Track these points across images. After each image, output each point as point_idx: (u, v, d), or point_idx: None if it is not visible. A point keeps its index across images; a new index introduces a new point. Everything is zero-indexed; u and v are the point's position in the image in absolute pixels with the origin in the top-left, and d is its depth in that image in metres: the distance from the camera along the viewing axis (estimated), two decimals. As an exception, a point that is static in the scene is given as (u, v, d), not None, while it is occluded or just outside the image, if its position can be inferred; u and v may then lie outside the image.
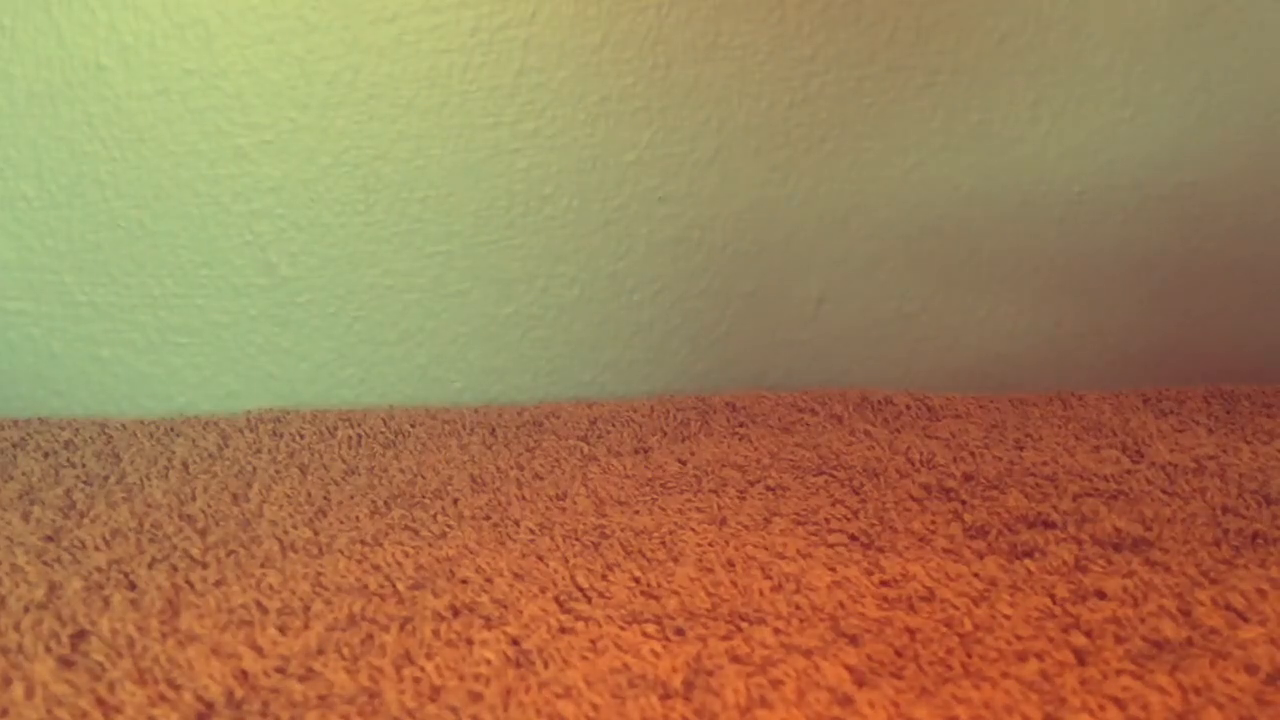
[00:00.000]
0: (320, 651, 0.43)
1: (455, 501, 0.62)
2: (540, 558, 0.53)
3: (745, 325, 0.93)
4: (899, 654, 0.42)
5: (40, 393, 0.86)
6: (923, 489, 0.63)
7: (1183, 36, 0.97)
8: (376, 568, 0.52)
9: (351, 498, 0.63)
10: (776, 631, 0.44)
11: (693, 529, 0.57)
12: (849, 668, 0.41)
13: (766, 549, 0.54)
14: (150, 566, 0.52)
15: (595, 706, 0.38)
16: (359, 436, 0.77)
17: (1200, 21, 0.97)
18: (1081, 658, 0.42)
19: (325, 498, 0.63)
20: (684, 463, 0.70)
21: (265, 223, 0.86)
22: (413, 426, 0.80)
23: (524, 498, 0.63)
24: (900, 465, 0.69)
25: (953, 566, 0.51)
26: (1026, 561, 0.51)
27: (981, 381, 0.94)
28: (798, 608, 0.46)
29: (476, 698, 0.39)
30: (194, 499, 0.63)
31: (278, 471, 0.68)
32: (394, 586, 0.49)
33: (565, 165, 0.89)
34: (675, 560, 0.52)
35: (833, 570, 0.50)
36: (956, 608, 0.46)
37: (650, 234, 0.91)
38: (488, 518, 0.59)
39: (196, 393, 0.88)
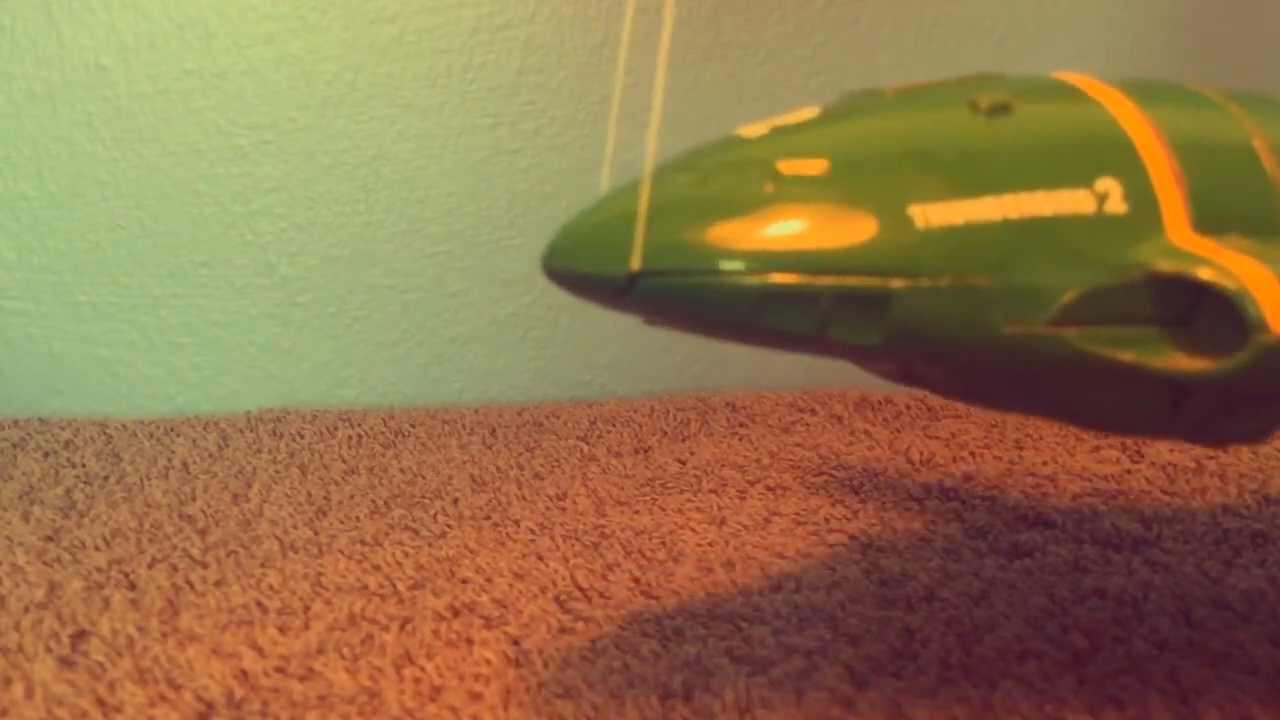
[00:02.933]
0: (320, 651, 0.43)
1: (455, 501, 0.62)
2: (540, 558, 0.53)
3: (745, 325, 0.93)
4: (899, 654, 0.42)
5: (40, 393, 0.86)
6: (923, 489, 0.63)
7: (1182, 38, 0.97)
8: (376, 568, 0.52)
9: (351, 498, 0.63)
10: (776, 632, 0.44)
11: (693, 529, 0.57)
12: (849, 668, 0.41)
13: (766, 549, 0.54)
14: (150, 566, 0.52)
15: (595, 706, 0.38)
16: (359, 436, 0.77)
17: (1200, 23, 0.97)
18: (1081, 658, 0.42)
19: (325, 498, 0.63)
20: (684, 463, 0.70)
21: (265, 223, 0.86)
22: (413, 426, 0.80)
23: (524, 498, 0.63)
24: (900, 465, 0.69)
25: (953, 566, 0.51)
26: (1026, 561, 0.51)
27: (981, 381, 0.94)
28: (797, 608, 0.46)
29: (476, 698, 0.39)
30: (194, 499, 0.63)
31: (278, 471, 0.68)
32: (394, 586, 0.49)
33: (565, 165, 0.89)
34: (675, 560, 0.52)
35: (832, 570, 0.50)
36: (956, 608, 0.46)
37: (650, 234, 0.91)
38: (488, 518, 0.59)
39: (196, 393, 0.88)
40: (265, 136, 0.85)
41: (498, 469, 0.69)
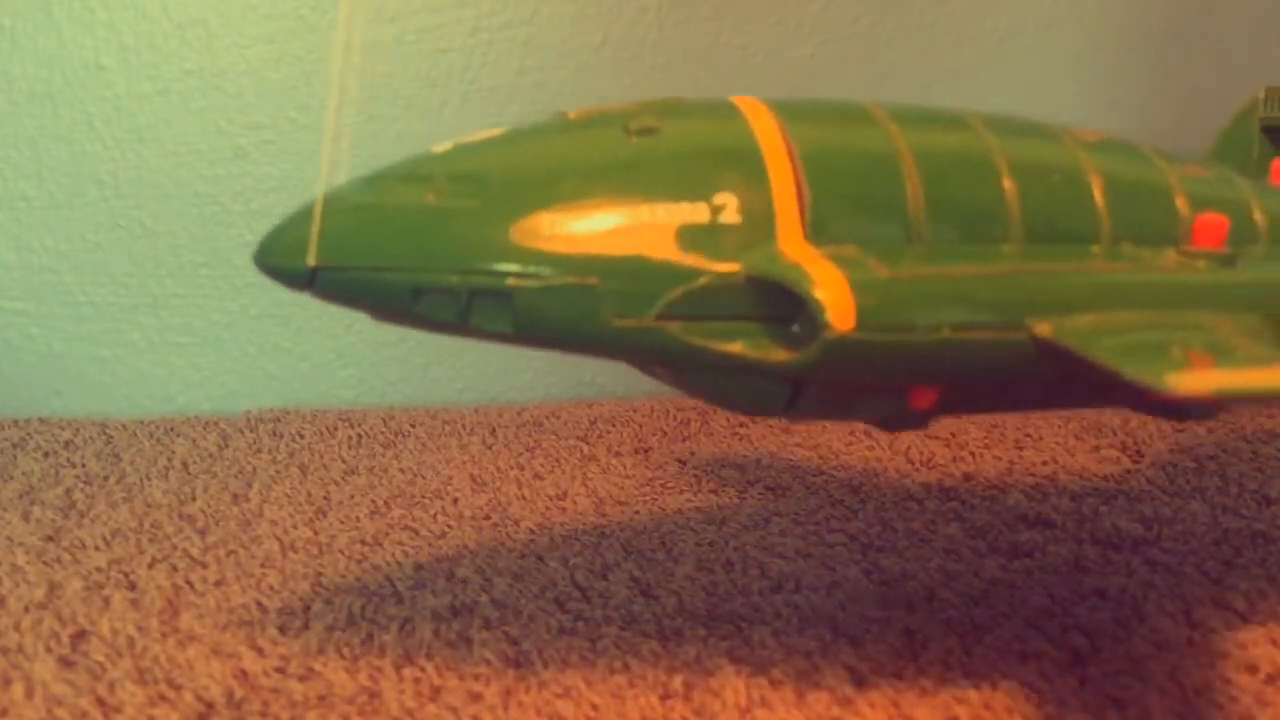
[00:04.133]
0: (320, 651, 0.43)
1: (455, 501, 0.62)
2: (540, 558, 0.53)
3: (745, 325, 0.93)
4: (899, 654, 0.42)
5: (40, 393, 0.86)
6: (923, 489, 0.63)
7: (1182, 38, 0.97)
8: (376, 568, 0.52)
9: (351, 498, 0.63)
10: (776, 632, 0.44)
11: (692, 529, 0.57)
12: (849, 668, 0.41)
13: (766, 549, 0.54)
14: (150, 566, 0.52)
15: (595, 706, 0.38)
16: (359, 436, 0.77)
17: (1200, 24, 0.97)
18: (1081, 658, 0.42)
19: (325, 498, 0.63)
20: (684, 463, 0.70)
21: (265, 223, 0.86)
22: (413, 426, 0.80)
23: (524, 498, 0.63)
24: (900, 465, 0.69)
25: (953, 566, 0.51)
26: (1026, 561, 0.51)
27: (981, 381, 0.94)
28: (797, 608, 0.46)
29: (476, 698, 0.39)
30: (194, 499, 0.63)
31: (278, 471, 0.68)
32: (394, 586, 0.49)
33: (565, 165, 0.89)
34: (674, 560, 0.52)
35: (832, 570, 0.50)
36: (956, 608, 0.46)
37: (650, 234, 0.91)
38: (488, 518, 0.59)
39: (196, 393, 0.88)
40: (265, 136, 0.85)
41: (498, 469, 0.69)
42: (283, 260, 0.35)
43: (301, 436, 0.77)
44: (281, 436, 0.77)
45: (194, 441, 0.76)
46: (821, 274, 0.32)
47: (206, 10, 0.83)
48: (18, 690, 0.39)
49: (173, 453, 0.73)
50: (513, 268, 0.33)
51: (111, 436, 0.77)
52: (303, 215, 0.35)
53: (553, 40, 0.87)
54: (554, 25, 0.87)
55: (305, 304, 0.88)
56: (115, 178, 0.84)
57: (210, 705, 0.38)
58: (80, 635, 0.44)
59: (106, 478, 0.67)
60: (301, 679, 0.40)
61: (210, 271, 0.86)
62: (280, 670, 0.41)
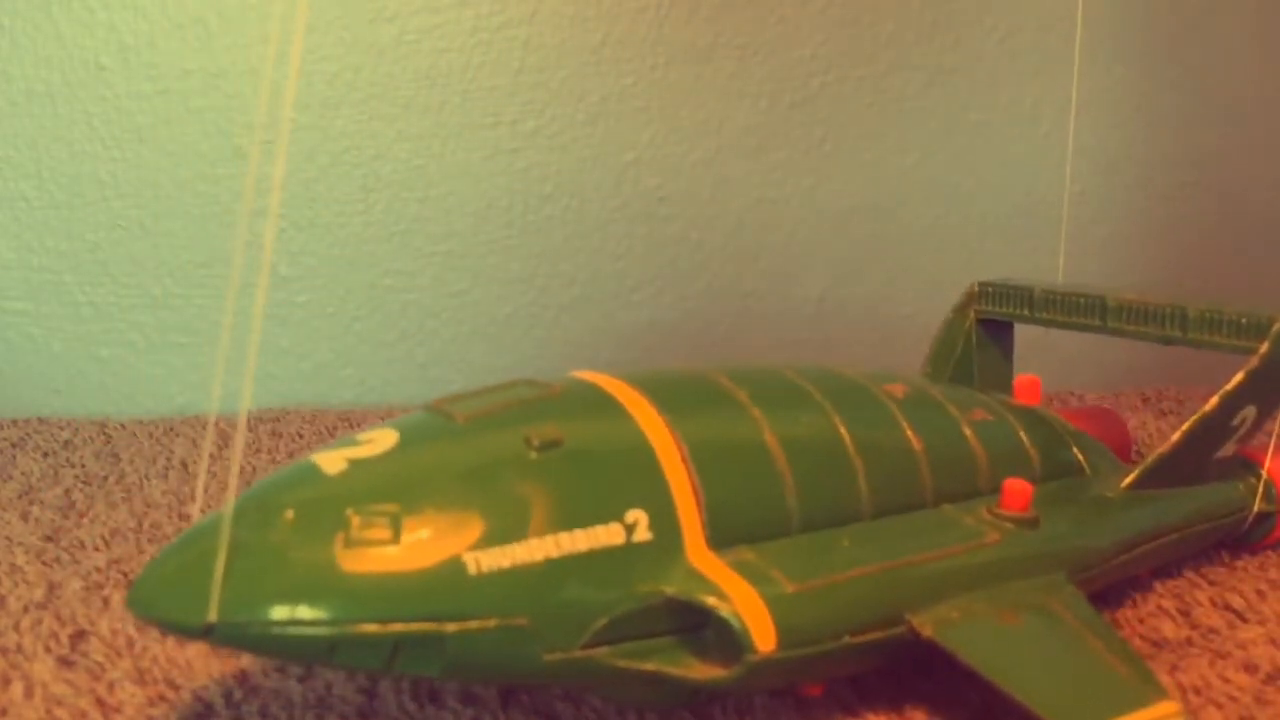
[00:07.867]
0: (320, 652, 0.42)
1: (455, 501, 0.62)
2: (540, 558, 0.52)
3: (745, 325, 0.93)
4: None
5: (40, 393, 0.86)
6: (922, 489, 0.63)
7: (1183, 37, 0.97)
8: (376, 568, 0.51)
9: (351, 498, 0.63)
10: (776, 632, 0.44)
11: (692, 529, 0.56)
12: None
13: (766, 549, 0.53)
14: (150, 566, 0.52)
15: (595, 709, 0.38)
16: (359, 436, 0.77)
17: (1200, 22, 0.97)
18: (1081, 658, 0.42)
19: (325, 498, 0.63)
20: (684, 463, 0.70)
21: (265, 222, 0.86)
22: (413, 426, 0.79)
23: (524, 498, 0.63)
24: (900, 465, 0.68)
25: (952, 567, 0.50)
26: (1026, 562, 0.51)
27: (981, 381, 0.94)
28: (797, 608, 0.46)
29: (474, 699, 0.39)
30: (194, 499, 0.63)
31: (277, 471, 0.68)
32: (394, 587, 0.49)
33: (565, 165, 0.89)
34: (675, 560, 0.52)
35: (832, 570, 0.50)
36: (956, 608, 0.46)
37: (650, 234, 0.91)
38: (487, 518, 0.59)
39: (196, 393, 0.87)
40: (265, 136, 0.85)
41: (497, 469, 0.69)
42: (171, 613, 0.30)
43: (301, 436, 0.77)
44: (281, 436, 0.77)
45: (194, 441, 0.76)
46: (738, 593, 0.33)
47: (206, 10, 0.83)
48: (17, 690, 0.39)
49: (172, 453, 0.73)
50: (443, 614, 0.31)
51: (111, 436, 0.77)
52: (184, 556, 0.31)
53: (553, 40, 0.87)
54: (554, 25, 0.87)
55: (305, 304, 0.88)
56: (115, 178, 0.84)
57: (210, 705, 0.38)
58: (80, 635, 0.44)
59: (106, 478, 0.67)
60: (301, 679, 0.40)
61: (210, 271, 0.86)
62: (279, 670, 0.41)
